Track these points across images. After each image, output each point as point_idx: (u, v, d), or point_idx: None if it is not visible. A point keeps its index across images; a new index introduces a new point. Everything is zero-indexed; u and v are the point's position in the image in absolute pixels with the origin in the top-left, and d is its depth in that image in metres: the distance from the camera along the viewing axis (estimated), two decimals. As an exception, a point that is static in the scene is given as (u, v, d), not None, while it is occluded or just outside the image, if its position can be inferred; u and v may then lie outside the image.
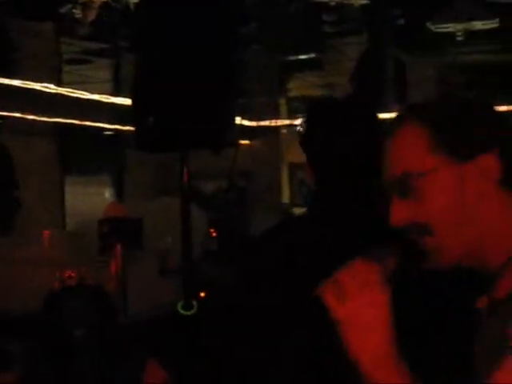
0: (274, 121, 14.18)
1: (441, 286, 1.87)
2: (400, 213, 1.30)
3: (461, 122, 1.27)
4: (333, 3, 10.85)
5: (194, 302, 3.03)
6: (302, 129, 2.46)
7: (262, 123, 13.94)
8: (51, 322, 2.98)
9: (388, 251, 1.36)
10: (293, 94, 14.93)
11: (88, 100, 11.11)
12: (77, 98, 10.89)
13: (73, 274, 3.05)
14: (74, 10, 9.60)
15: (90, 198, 12.72)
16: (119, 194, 13.41)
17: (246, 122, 12.88)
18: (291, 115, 14.74)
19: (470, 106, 1.32)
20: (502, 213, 1.25)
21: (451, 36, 12.55)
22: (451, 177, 1.25)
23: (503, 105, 12.24)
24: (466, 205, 1.25)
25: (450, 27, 11.97)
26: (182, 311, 2.99)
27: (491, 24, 11.31)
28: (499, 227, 1.25)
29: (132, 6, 9.02)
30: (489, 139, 1.26)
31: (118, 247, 5.06)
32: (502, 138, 1.26)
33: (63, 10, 9.65)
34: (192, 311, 3.00)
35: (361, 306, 1.27)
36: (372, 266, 1.31)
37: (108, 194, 13.45)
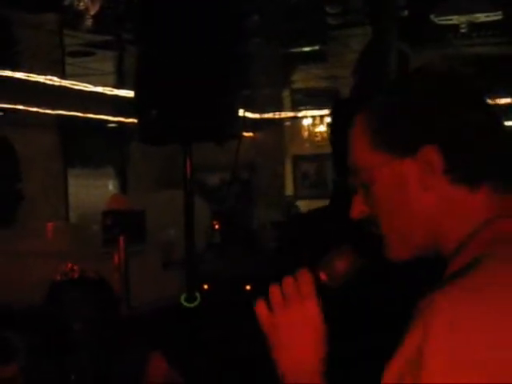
0: (277, 113, 14.17)
1: (409, 277, 1.90)
2: (358, 206, 1.30)
3: (398, 117, 1.22)
4: (336, -5, 10.84)
5: (197, 294, 3.04)
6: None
7: (266, 115, 13.94)
8: (52, 314, 2.97)
9: (336, 255, 1.39)
10: (296, 86, 14.92)
11: (91, 92, 11.11)
12: (80, 90, 10.88)
13: (75, 267, 3.04)
14: (77, 2, 9.59)
15: (94, 191, 12.73)
16: (123, 186, 13.41)
17: (250, 115, 12.87)
18: (295, 107, 14.73)
19: (415, 94, 1.24)
20: (449, 205, 1.20)
21: (454, 28, 12.53)
22: (392, 173, 1.22)
23: (506, 97, 12.24)
24: (410, 200, 1.21)
25: (453, 19, 11.95)
26: (185, 303, 3.00)
27: (494, 16, 11.28)
28: (449, 219, 1.21)
29: (135, -1, 9.02)
30: (427, 132, 1.19)
31: (121, 239, 5.07)
32: (444, 127, 1.19)
33: (66, 3, 9.66)
34: (195, 303, 3.01)
35: (286, 321, 1.31)
36: (303, 277, 1.34)
37: (111, 186, 13.46)
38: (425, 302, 1.06)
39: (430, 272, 1.30)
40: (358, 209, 1.30)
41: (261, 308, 1.34)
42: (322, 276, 1.36)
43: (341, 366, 1.41)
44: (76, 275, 3.07)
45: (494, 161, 1.20)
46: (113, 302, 3.19)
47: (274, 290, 1.34)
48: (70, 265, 3.10)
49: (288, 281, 1.34)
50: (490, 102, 1.29)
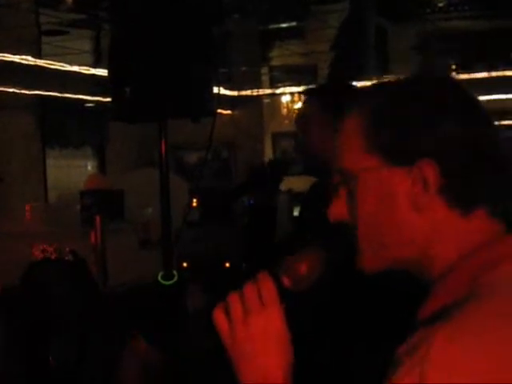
0: (255, 90, 14.13)
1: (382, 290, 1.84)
2: (336, 208, 1.19)
3: (400, 120, 1.10)
4: (313, -30, 10.81)
5: (175, 272, 3.03)
6: None
7: (244, 93, 13.89)
8: (28, 296, 2.96)
9: (299, 258, 1.29)
10: (274, 62, 14.87)
11: (68, 72, 11.01)
12: (56, 69, 10.79)
13: (51, 248, 3.03)
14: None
15: (73, 171, 12.67)
16: (101, 166, 13.35)
17: (228, 92, 12.82)
18: (273, 84, 14.70)
19: (419, 97, 1.12)
20: (442, 228, 1.10)
21: (432, 3, 12.52)
22: (381, 180, 1.11)
23: (483, 71, 12.27)
24: (398, 216, 1.11)
25: (430, -6, 11.94)
26: (162, 281, 3.00)
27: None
28: (439, 243, 1.10)
29: (110, -24, 8.91)
30: (427, 143, 1.08)
31: (98, 219, 5.07)
32: (446, 140, 1.08)
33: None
34: (172, 281, 3.01)
35: (247, 333, 1.21)
36: (265, 283, 1.24)
37: (90, 166, 13.40)
38: (417, 338, 0.98)
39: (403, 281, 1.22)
40: (337, 211, 1.19)
41: (219, 320, 1.23)
42: (285, 281, 1.26)
43: (310, 373, 1.34)
44: (53, 255, 3.06)
45: (491, 184, 1.11)
46: (91, 281, 3.18)
47: (233, 299, 1.23)
48: (46, 245, 3.08)
49: (248, 288, 1.23)
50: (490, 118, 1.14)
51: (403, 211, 1.10)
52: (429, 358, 0.94)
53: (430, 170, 1.08)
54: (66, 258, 3.09)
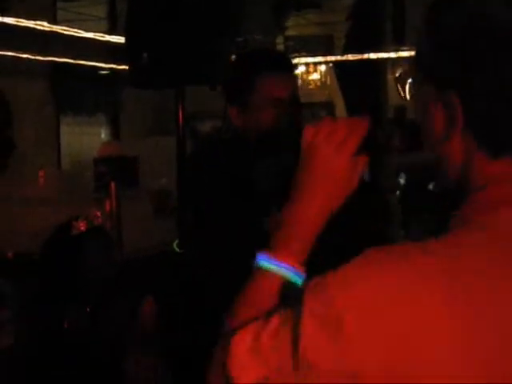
0: (270, 60, 14.03)
1: None
2: None
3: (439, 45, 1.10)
4: None
5: (190, 240, 3.02)
6: None
7: (259, 62, 13.79)
8: (62, 265, 2.95)
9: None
10: (290, 32, 14.77)
11: (83, 38, 10.96)
12: (71, 35, 10.74)
13: (96, 213, 3.04)
14: None
15: (86, 138, 12.67)
16: (115, 133, 13.35)
17: (243, 61, 12.73)
18: (288, 54, 14.60)
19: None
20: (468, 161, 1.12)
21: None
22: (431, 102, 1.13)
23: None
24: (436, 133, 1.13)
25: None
26: (177, 249, 3.00)
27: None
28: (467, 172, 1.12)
29: None
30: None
31: (113, 185, 5.05)
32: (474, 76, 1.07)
33: None
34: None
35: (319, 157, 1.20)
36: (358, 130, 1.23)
37: (104, 134, 13.39)
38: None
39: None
40: None
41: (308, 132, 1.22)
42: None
43: None
44: (86, 226, 3.03)
45: None
46: (112, 247, 3.18)
47: (326, 123, 1.22)
48: (92, 214, 3.07)
49: (342, 124, 1.22)
50: None
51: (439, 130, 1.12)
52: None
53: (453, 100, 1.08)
54: (96, 221, 3.08)
